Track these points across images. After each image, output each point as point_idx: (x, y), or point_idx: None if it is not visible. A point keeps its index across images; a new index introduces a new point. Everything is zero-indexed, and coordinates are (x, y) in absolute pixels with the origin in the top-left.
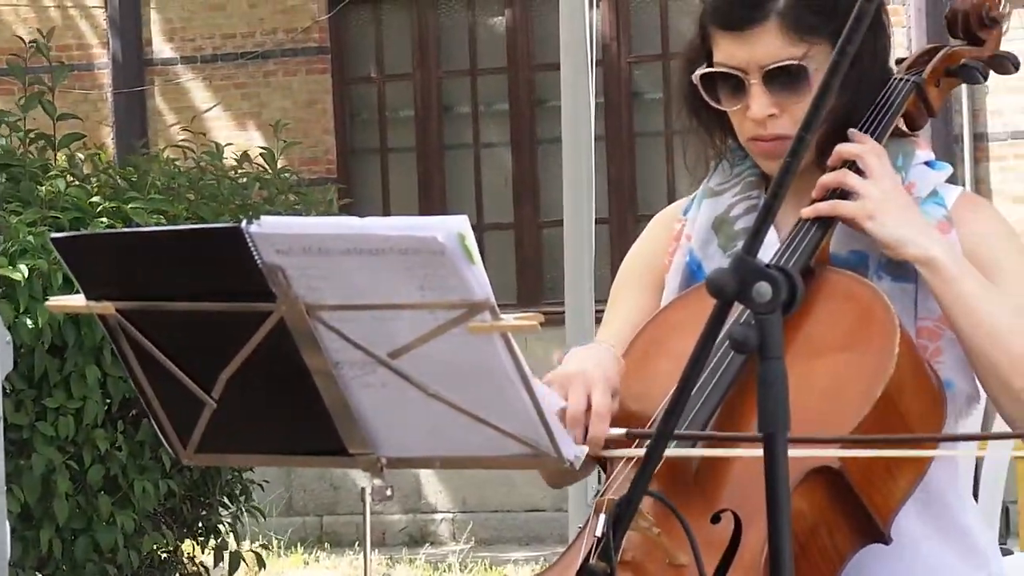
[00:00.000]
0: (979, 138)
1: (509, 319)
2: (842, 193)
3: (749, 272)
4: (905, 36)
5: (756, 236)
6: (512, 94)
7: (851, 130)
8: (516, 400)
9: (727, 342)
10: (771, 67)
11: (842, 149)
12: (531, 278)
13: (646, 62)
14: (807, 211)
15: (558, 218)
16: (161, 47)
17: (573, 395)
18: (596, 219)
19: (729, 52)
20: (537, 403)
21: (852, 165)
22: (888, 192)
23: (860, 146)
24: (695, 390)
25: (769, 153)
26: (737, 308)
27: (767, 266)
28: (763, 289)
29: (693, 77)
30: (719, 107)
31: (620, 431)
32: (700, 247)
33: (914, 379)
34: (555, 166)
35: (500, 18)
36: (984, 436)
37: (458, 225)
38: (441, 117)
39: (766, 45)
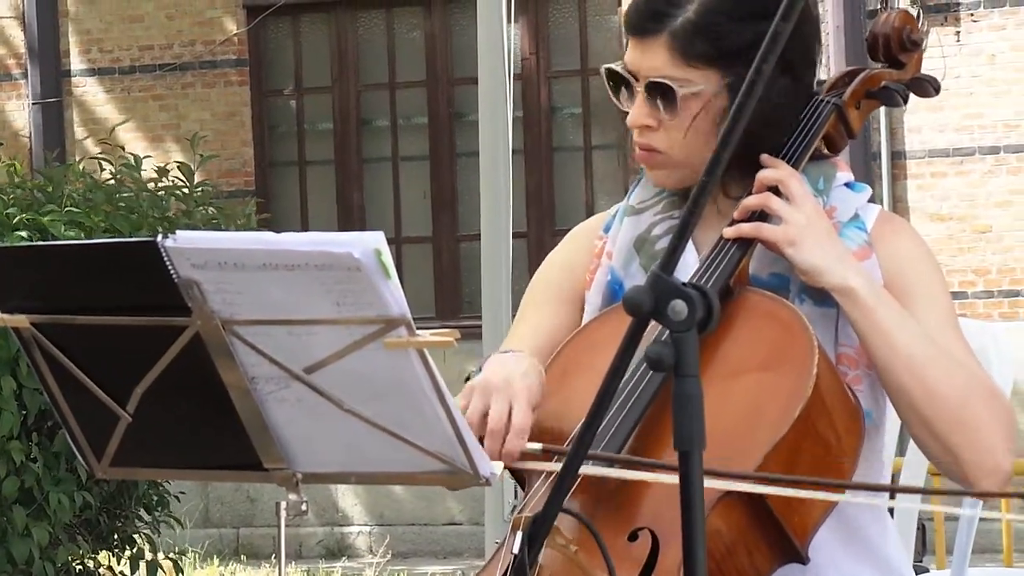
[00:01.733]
0: (897, 156)
1: (425, 335)
2: (764, 216)
3: (665, 290)
4: (823, 55)
5: (673, 254)
6: (431, 107)
7: (763, 156)
8: (432, 416)
9: (642, 365)
10: (651, 79)
11: (764, 176)
12: (449, 292)
13: (565, 77)
14: (729, 231)
15: (476, 232)
16: (79, 59)
17: (495, 406)
18: (514, 233)
19: (630, 55)
20: (453, 419)
21: (774, 189)
22: (810, 218)
23: (782, 171)
24: (613, 408)
25: (644, 161)
26: (657, 326)
27: (684, 284)
28: (679, 307)
29: (600, 70)
30: (619, 105)
31: (537, 446)
32: (621, 266)
33: (832, 399)
34: (474, 180)
35: (419, 32)
36: (892, 488)
37: (374, 241)
38: (360, 130)
39: (654, 57)
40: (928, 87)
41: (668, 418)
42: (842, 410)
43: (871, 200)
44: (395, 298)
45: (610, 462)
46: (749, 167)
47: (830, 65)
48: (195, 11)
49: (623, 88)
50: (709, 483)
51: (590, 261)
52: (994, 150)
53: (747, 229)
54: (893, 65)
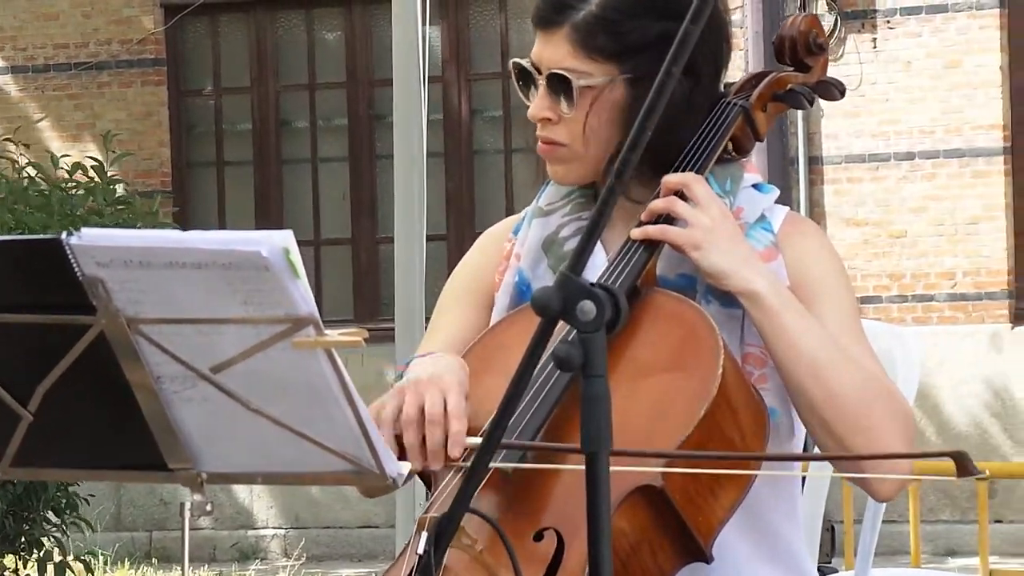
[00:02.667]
0: (814, 161)
1: (333, 334)
2: (671, 219)
3: (574, 290)
4: (742, 59)
5: (581, 255)
6: (350, 109)
7: (664, 178)
8: (339, 416)
9: (550, 365)
10: (551, 71)
11: (669, 180)
12: (368, 293)
13: (485, 80)
14: (636, 232)
15: (394, 234)
16: None
17: (429, 399)
18: (434, 235)
19: (535, 49)
20: (360, 419)
21: (680, 193)
22: (715, 221)
23: (686, 175)
24: (521, 408)
25: (544, 154)
26: (565, 327)
27: (592, 285)
28: (587, 307)
29: (509, 65)
30: (526, 100)
31: (475, 440)
32: (529, 267)
33: (737, 400)
34: (393, 182)
35: (339, 33)
36: (803, 457)
37: (283, 240)
38: (279, 131)
39: (555, 49)
40: (833, 90)
41: (575, 418)
42: (747, 410)
43: (786, 203)
44: (303, 297)
45: (521, 457)
46: (655, 169)
47: (748, 71)
48: (111, 9)
49: (530, 81)
50: (616, 471)
51: (499, 263)
52: (909, 156)
53: (653, 231)
54: (799, 68)
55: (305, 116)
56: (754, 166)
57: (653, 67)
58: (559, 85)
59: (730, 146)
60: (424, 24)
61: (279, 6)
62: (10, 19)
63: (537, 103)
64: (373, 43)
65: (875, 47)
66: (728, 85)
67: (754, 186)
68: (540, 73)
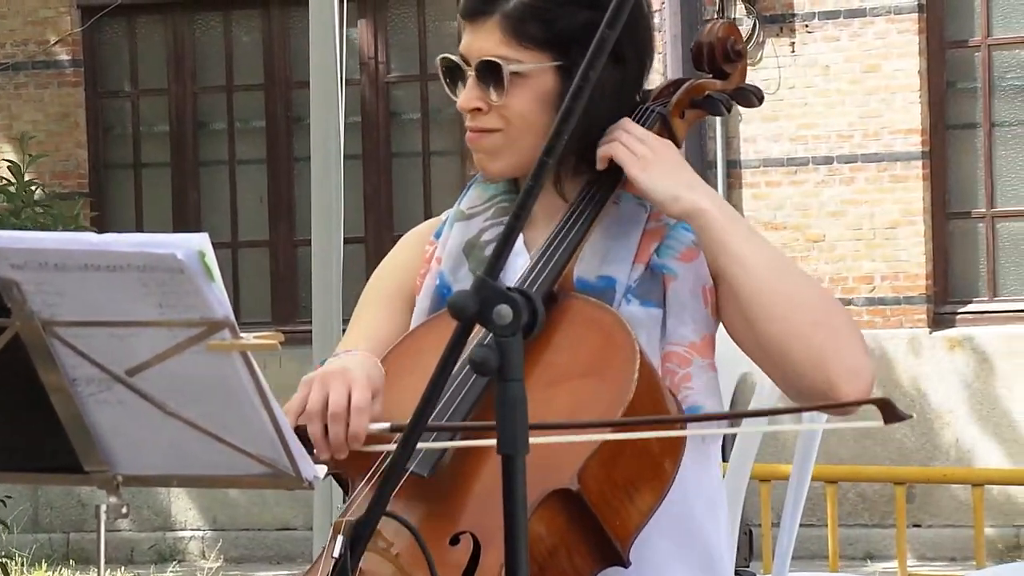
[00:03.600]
0: (732, 165)
1: (248, 337)
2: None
3: (490, 294)
4: (660, 63)
5: (498, 259)
6: (268, 111)
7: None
8: (255, 419)
9: (467, 369)
10: (480, 61)
11: (601, 150)
12: (285, 296)
13: (404, 82)
14: (599, 164)
15: (310, 235)
16: None
17: (334, 393)
18: (352, 238)
19: (464, 41)
20: (277, 422)
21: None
22: (657, 150)
23: (610, 128)
24: (437, 411)
25: (473, 143)
26: (482, 331)
27: (509, 289)
28: (504, 312)
29: (435, 62)
30: (452, 96)
31: (384, 425)
32: (450, 271)
33: (653, 406)
34: (309, 183)
35: (257, 34)
36: (736, 414)
37: (198, 243)
38: (196, 133)
39: (485, 39)
40: (752, 97)
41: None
42: (664, 413)
43: None
44: (219, 300)
45: (437, 458)
46: (582, 165)
47: (667, 74)
48: (28, 10)
49: (458, 77)
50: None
51: (420, 266)
52: (827, 160)
53: (603, 149)
54: (717, 75)
55: (223, 118)
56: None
57: (582, 56)
58: (489, 73)
59: None
60: (341, 26)
61: (196, 8)
62: None
63: (466, 93)
64: (291, 45)
65: (793, 51)
66: (646, 92)
67: None
68: (469, 65)
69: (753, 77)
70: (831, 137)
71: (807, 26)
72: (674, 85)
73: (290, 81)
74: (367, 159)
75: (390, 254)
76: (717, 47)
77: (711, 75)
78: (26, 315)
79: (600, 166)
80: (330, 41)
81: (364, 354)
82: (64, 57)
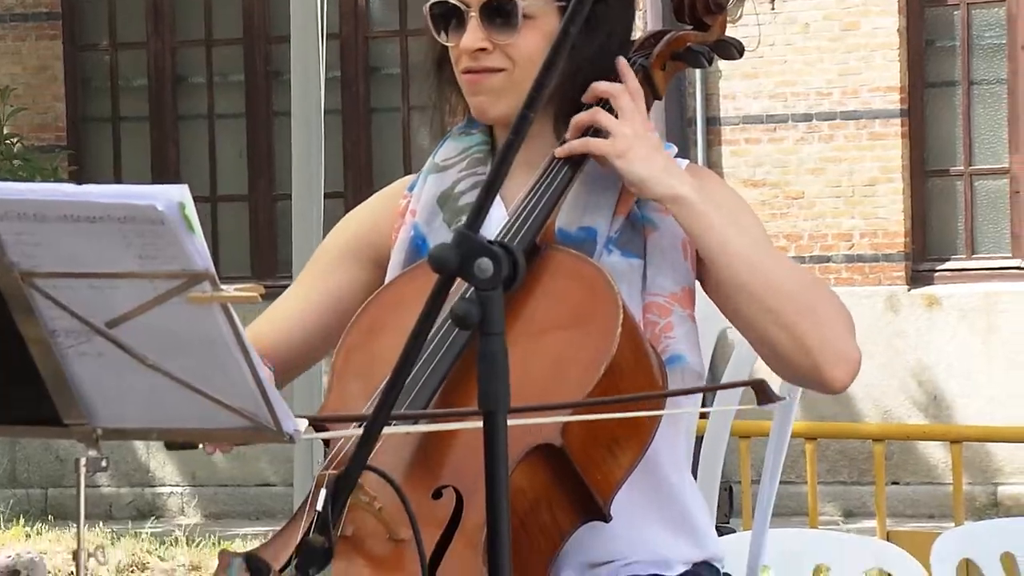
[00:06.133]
0: (712, 122)
1: (229, 289)
2: (596, 132)
3: (471, 248)
4: (640, 20)
5: (479, 212)
6: (247, 65)
7: (619, 59)
8: (236, 372)
9: (448, 323)
10: (486, 1)
11: (597, 87)
12: (266, 251)
13: (384, 37)
14: (560, 150)
15: (290, 190)
16: None
17: None
18: (331, 193)
19: None
20: (257, 375)
21: (606, 104)
22: (638, 132)
23: (614, 85)
24: (418, 367)
25: (475, 85)
26: (462, 284)
27: (489, 242)
28: (485, 265)
29: (424, 8)
30: (445, 43)
31: (302, 422)
32: (425, 222)
33: (635, 359)
34: (288, 137)
35: None
36: (710, 388)
37: (178, 194)
38: (175, 87)
39: None
40: (732, 50)
41: (473, 376)
42: (644, 372)
43: (679, 157)
44: (199, 252)
45: (414, 420)
46: (562, 122)
47: (647, 27)
48: None
49: (451, 21)
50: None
51: (395, 220)
52: (807, 117)
53: (577, 145)
54: (698, 27)
55: (202, 72)
56: (652, 124)
57: (599, 10)
58: (496, 14)
59: None
60: None
61: None
62: None
63: (471, 34)
64: (270, 3)
65: (773, 8)
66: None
67: None
68: (468, 6)
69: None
70: (810, 95)
71: None
72: (655, 37)
73: (269, 35)
74: (346, 115)
75: (357, 209)
76: None
77: (692, 27)
78: (5, 266)
79: (570, 135)
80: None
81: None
82: (42, 9)
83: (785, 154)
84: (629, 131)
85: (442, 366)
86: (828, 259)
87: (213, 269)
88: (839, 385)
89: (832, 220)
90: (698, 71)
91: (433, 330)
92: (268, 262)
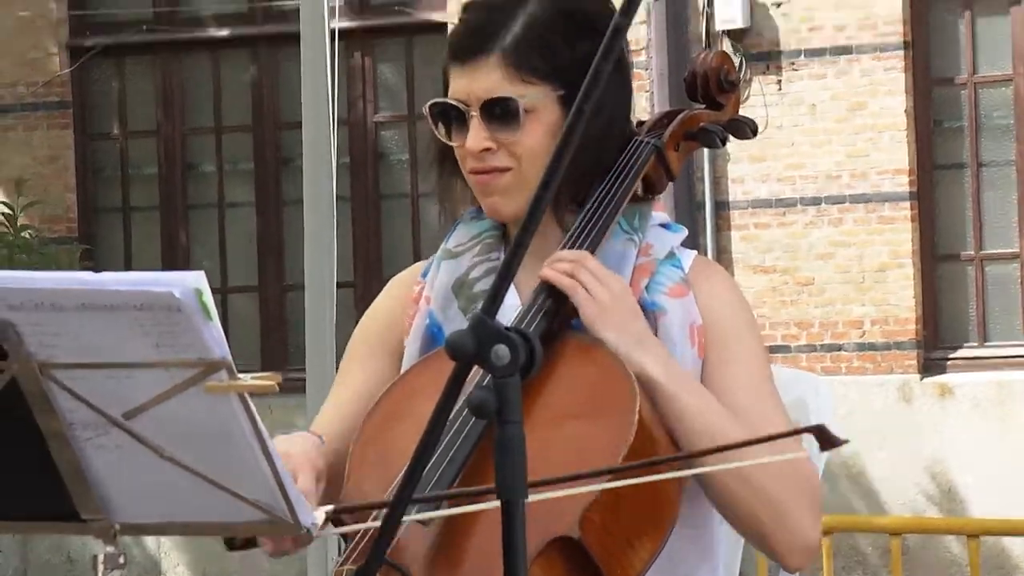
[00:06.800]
0: (721, 206)
1: (246, 378)
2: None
3: (488, 334)
4: (648, 102)
5: (495, 297)
6: (257, 153)
7: (558, 252)
8: (253, 464)
9: (464, 412)
10: (487, 100)
11: (562, 257)
12: (276, 342)
13: (393, 122)
14: (546, 273)
15: (303, 281)
16: None
17: None
18: (340, 282)
19: (456, 84)
20: (275, 467)
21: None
22: (615, 297)
23: (579, 254)
24: (435, 457)
25: (485, 186)
26: (479, 371)
27: (507, 329)
28: (502, 352)
29: (423, 109)
30: (448, 142)
31: (327, 508)
32: (440, 310)
33: (652, 446)
34: (301, 227)
35: (246, 74)
36: (762, 439)
37: (195, 280)
38: (185, 175)
39: (487, 78)
40: (745, 129)
41: (491, 466)
42: (664, 451)
43: (693, 248)
44: (216, 340)
45: (434, 506)
46: (566, 204)
47: (654, 110)
48: (16, 52)
49: (452, 121)
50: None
51: (409, 308)
52: (816, 201)
53: (567, 283)
54: (711, 106)
55: (212, 160)
56: (662, 205)
57: (605, 91)
58: (497, 112)
59: (641, 187)
60: (333, 67)
61: (185, 48)
62: None
63: (474, 134)
64: (280, 86)
65: (780, 89)
66: (640, 124)
67: (662, 225)
68: (469, 106)
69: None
70: (819, 177)
71: (793, 64)
72: (667, 117)
73: (279, 122)
74: (355, 201)
75: (377, 300)
76: (711, 76)
77: (704, 106)
78: (23, 358)
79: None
80: (322, 82)
81: (308, 436)
82: (53, 99)
83: (794, 239)
84: (606, 295)
85: (460, 455)
86: (839, 347)
87: (230, 358)
88: (794, 569)
89: (842, 307)
90: (706, 154)
91: (450, 420)
92: (278, 353)
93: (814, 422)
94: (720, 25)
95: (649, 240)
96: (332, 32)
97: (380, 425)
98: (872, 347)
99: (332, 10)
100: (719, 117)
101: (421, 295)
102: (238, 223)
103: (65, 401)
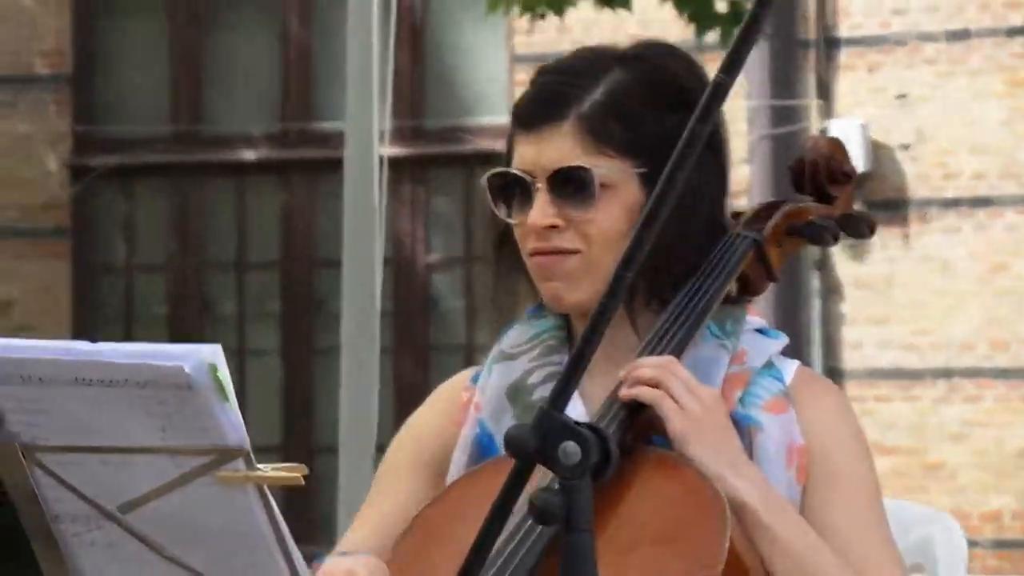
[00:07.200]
0: (834, 374)
1: (267, 469)
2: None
3: (555, 429)
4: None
5: (564, 389)
6: (285, 293)
7: (640, 359)
8: (271, 567)
9: (526, 517)
10: (557, 169)
11: (643, 366)
12: (300, 513)
13: (446, 264)
14: (625, 392)
15: (335, 443)
16: None
17: None
18: (379, 444)
19: (522, 154)
20: (296, 571)
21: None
22: (708, 410)
23: (663, 360)
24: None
25: (546, 269)
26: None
27: (576, 423)
28: (571, 449)
29: (481, 181)
30: (508, 219)
31: None
32: (492, 418)
33: (747, 572)
34: (334, 380)
35: (275, 201)
36: None
37: (210, 355)
38: (201, 316)
39: (557, 147)
40: (862, 226)
41: None
42: None
43: (786, 355)
44: (232, 424)
45: None
46: (647, 300)
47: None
48: (9, 169)
49: (515, 196)
50: None
51: (456, 414)
52: (947, 373)
53: (651, 394)
54: (821, 199)
55: (232, 299)
56: (757, 309)
57: (665, 164)
58: (568, 184)
59: (735, 287)
60: (382, 197)
61: (205, 171)
62: None
63: (540, 208)
64: (316, 217)
65: (907, 243)
66: (736, 215)
67: (758, 330)
68: (534, 177)
69: (860, 272)
70: (951, 347)
71: (923, 215)
72: (769, 208)
73: (313, 259)
74: (400, 353)
75: (416, 413)
76: (821, 164)
77: (813, 198)
78: (4, 439)
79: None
80: (369, 215)
81: (369, 558)
82: (48, 224)
83: (922, 416)
84: (697, 408)
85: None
86: (974, 543)
87: (248, 444)
88: None
89: (977, 496)
90: (817, 312)
91: (504, 534)
92: (304, 527)
93: (941, 560)
94: None
95: (744, 346)
96: (380, 159)
97: (419, 548)
98: (1012, 544)
99: (381, 134)
100: (830, 211)
101: (471, 402)
102: (261, 373)
103: (50, 490)
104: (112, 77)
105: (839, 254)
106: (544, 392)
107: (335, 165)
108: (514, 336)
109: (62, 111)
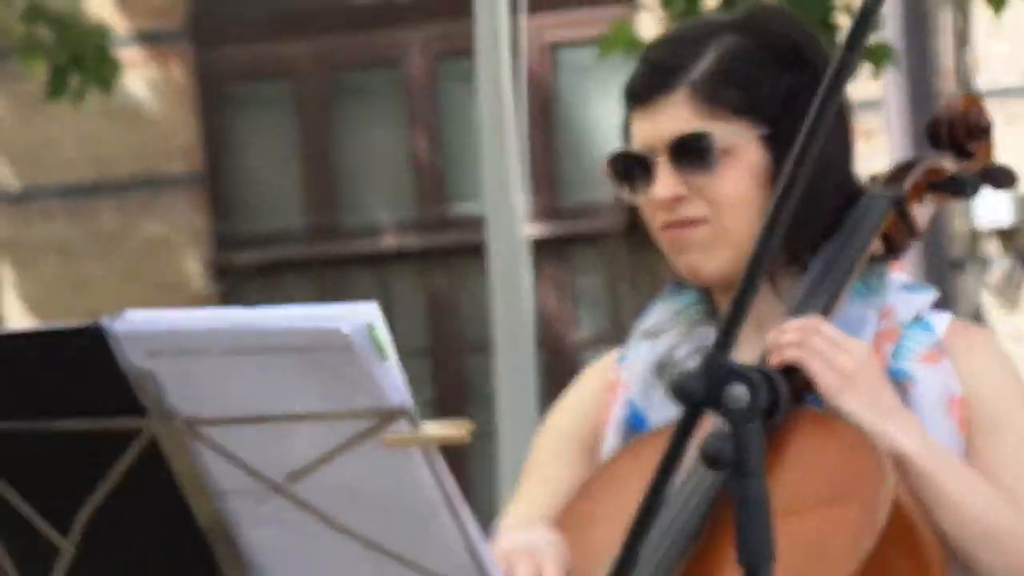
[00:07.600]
0: None
1: (431, 427)
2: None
3: (721, 373)
4: (887, 151)
5: (729, 333)
6: (437, 379)
7: (785, 323)
8: (441, 532)
9: (697, 467)
10: (674, 139)
11: (774, 351)
12: None
13: (596, 342)
14: (774, 358)
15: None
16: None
17: (522, 569)
18: None
19: (639, 131)
20: (467, 535)
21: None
22: (860, 363)
23: (807, 323)
24: (653, 540)
25: (679, 242)
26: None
27: (744, 366)
28: (739, 392)
29: (603, 163)
30: (632, 200)
31: None
32: (641, 395)
33: (910, 532)
34: (488, 463)
35: (419, 293)
36: None
37: (367, 314)
38: None
39: (673, 117)
40: (1004, 178)
41: (727, 543)
42: (920, 547)
43: (938, 307)
44: (393, 385)
45: None
46: (787, 264)
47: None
48: (153, 272)
49: (637, 176)
50: None
51: (603, 397)
52: None
53: (794, 354)
54: (959, 154)
55: None
56: (902, 265)
57: (786, 125)
58: (688, 152)
59: (880, 246)
60: (533, 283)
61: (349, 265)
62: (37, 287)
63: (663, 181)
64: (462, 303)
65: None
66: (874, 177)
67: (905, 287)
68: (654, 151)
69: (1011, 331)
70: None
71: None
72: (906, 167)
73: (462, 345)
74: None
75: (565, 395)
76: (958, 121)
77: (952, 153)
78: (165, 414)
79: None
80: (519, 298)
81: (544, 528)
82: None
83: None
84: (849, 362)
85: (689, 524)
86: None
87: (411, 404)
88: None
89: None
90: None
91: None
92: None
93: None
94: (985, 225)
95: (891, 303)
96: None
97: (576, 529)
98: None
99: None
100: (969, 166)
101: (618, 382)
102: None
103: (216, 464)
104: (245, 173)
105: (993, 306)
106: (692, 366)
107: (475, 248)
108: (656, 314)
109: (197, 210)
